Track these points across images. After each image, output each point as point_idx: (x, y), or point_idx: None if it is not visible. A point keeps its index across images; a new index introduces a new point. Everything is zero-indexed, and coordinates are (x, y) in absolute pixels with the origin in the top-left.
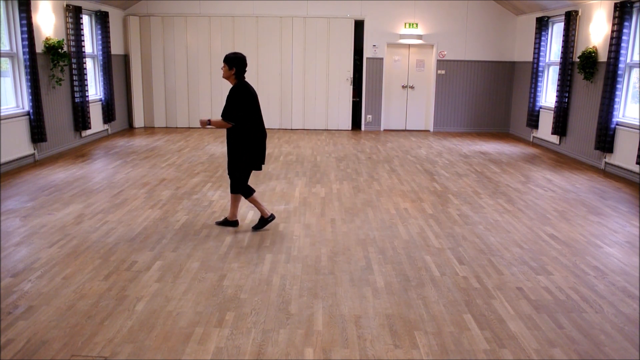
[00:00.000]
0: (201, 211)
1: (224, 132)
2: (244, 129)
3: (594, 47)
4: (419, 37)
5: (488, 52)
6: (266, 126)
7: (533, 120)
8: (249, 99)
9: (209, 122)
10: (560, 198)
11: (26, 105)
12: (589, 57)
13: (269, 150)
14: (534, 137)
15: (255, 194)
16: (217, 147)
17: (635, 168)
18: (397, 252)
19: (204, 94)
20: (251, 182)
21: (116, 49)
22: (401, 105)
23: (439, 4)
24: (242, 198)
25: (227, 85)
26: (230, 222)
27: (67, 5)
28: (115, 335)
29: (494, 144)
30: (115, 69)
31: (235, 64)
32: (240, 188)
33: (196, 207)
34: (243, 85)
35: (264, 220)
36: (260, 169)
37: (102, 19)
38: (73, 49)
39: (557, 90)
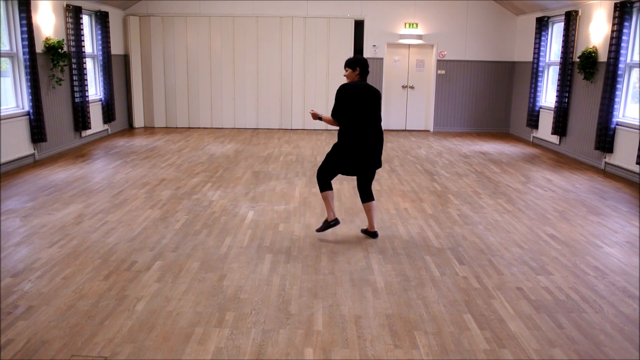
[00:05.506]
0: (201, 211)
1: (223, 132)
2: (341, 128)
3: (594, 47)
4: (419, 37)
5: (488, 52)
6: (266, 126)
7: (533, 120)
8: (347, 98)
9: (321, 118)
10: (560, 198)
11: (26, 105)
12: (589, 57)
13: (269, 150)
14: (534, 137)
15: (330, 192)
16: (217, 147)
17: (635, 168)
18: (397, 252)
19: (204, 94)
20: (252, 181)
21: (116, 49)
22: (401, 105)
23: (439, 4)
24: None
25: (227, 85)
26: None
27: (67, 5)
28: (115, 335)
29: (494, 144)
30: (115, 69)
31: (359, 64)
32: (320, 179)
33: (196, 207)
34: (349, 84)
35: (327, 224)
36: (349, 174)
37: (102, 19)
38: (73, 49)
39: (557, 90)
